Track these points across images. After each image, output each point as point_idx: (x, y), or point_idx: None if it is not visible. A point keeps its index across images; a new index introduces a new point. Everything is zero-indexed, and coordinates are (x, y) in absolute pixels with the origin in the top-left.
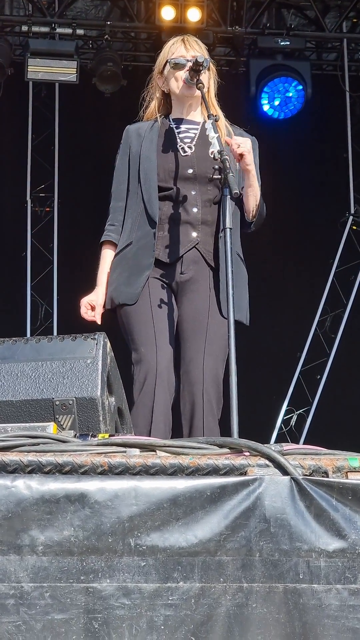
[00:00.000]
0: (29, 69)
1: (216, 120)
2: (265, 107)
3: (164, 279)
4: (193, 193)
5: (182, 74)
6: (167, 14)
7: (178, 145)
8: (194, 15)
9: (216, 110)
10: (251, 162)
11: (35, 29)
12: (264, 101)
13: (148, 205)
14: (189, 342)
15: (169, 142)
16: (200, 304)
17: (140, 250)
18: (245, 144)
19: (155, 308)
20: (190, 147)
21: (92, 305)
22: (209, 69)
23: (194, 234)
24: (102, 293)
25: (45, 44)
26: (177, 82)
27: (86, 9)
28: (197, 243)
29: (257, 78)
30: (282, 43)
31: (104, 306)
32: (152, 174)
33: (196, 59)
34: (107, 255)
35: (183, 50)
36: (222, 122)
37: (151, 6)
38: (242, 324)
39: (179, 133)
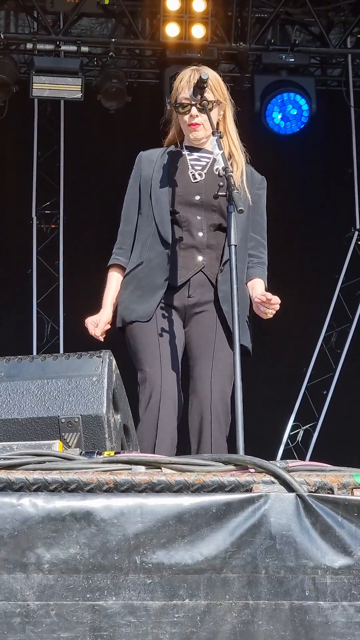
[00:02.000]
0: (34, 87)
1: (220, 137)
2: (270, 123)
3: (171, 303)
4: (199, 218)
5: (187, 119)
6: (172, 31)
7: (189, 172)
8: (198, 32)
9: (233, 137)
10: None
11: (40, 46)
12: (269, 117)
13: (160, 226)
14: (197, 361)
15: (181, 168)
16: (207, 323)
17: (153, 270)
18: (274, 310)
19: (161, 330)
20: (200, 175)
21: (96, 324)
22: (216, 102)
23: (200, 258)
24: (106, 314)
25: (50, 62)
26: (183, 124)
27: (91, 27)
28: (203, 267)
29: (262, 94)
30: (286, 59)
31: (111, 324)
32: (164, 196)
33: (200, 76)
34: (114, 278)
35: (186, 92)
36: (242, 160)
37: (155, 23)
38: (248, 350)
39: (190, 160)
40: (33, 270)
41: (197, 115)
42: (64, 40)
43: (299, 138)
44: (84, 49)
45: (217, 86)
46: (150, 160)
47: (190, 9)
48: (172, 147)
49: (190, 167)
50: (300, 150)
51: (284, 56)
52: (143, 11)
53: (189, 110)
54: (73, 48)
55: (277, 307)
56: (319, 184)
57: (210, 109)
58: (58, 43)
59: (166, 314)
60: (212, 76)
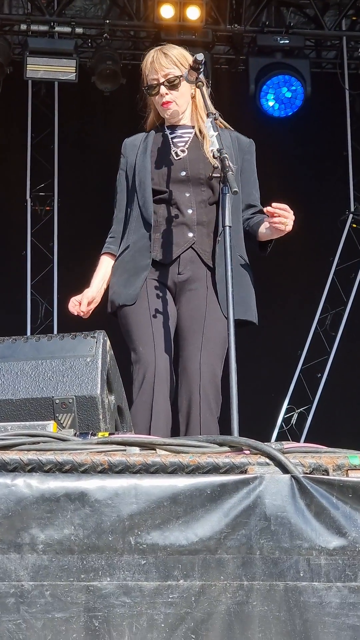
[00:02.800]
0: (28, 68)
1: (215, 119)
2: (265, 106)
3: (162, 280)
4: (187, 195)
5: (158, 99)
6: (167, 12)
7: (172, 150)
8: (193, 13)
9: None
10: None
11: (34, 27)
12: (263, 99)
13: (143, 208)
14: (187, 340)
15: (163, 148)
16: (198, 302)
17: (137, 253)
18: (290, 221)
19: (153, 309)
20: (183, 151)
21: (79, 302)
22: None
23: (190, 235)
24: (90, 290)
25: (45, 43)
26: (157, 105)
27: (85, 8)
28: (194, 243)
29: (257, 76)
30: (281, 41)
31: (98, 306)
32: (146, 178)
33: (195, 58)
34: (104, 262)
35: (153, 74)
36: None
37: (150, 4)
38: (252, 323)
39: (172, 138)
40: (27, 252)
41: (166, 94)
42: (58, 21)
43: (294, 121)
44: (79, 30)
45: (182, 61)
46: (134, 146)
47: None
48: (153, 130)
49: (172, 145)
50: (295, 132)
51: (278, 38)
52: None
53: (158, 91)
54: (67, 29)
55: (289, 215)
56: (314, 167)
57: (178, 84)
58: (52, 24)
59: (157, 292)
60: (177, 52)
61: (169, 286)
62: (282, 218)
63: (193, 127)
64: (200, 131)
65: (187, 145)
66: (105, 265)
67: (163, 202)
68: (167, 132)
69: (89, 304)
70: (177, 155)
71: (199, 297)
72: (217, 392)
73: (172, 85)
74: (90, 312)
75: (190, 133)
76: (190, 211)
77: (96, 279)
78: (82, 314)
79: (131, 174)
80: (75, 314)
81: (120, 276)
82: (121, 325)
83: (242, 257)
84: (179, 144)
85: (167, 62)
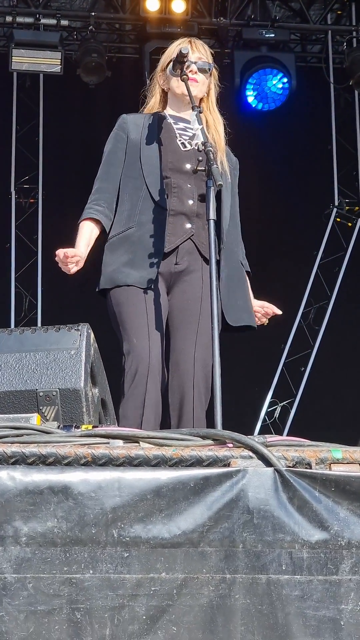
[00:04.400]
0: (13, 60)
1: (200, 112)
2: (250, 99)
3: (160, 270)
4: (189, 186)
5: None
6: (152, 5)
7: (178, 140)
8: (178, 6)
9: (215, 115)
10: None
11: (19, 19)
12: (249, 93)
13: (153, 190)
14: (180, 333)
15: (168, 135)
16: (192, 294)
17: (147, 235)
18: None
19: (149, 299)
20: (190, 144)
21: (67, 255)
22: (211, 74)
23: (189, 225)
24: (80, 248)
25: (30, 35)
26: (178, 82)
27: (71, 0)
28: (192, 234)
29: (242, 70)
30: (266, 35)
31: (78, 266)
32: (156, 161)
33: (180, 51)
34: (87, 228)
35: (190, 52)
36: (222, 131)
37: None
38: (253, 328)
39: (177, 129)
40: (11, 245)
41: (196, 72)
42: (43, 13)
43: (279, 114)
44: (64, 22)
45: (211, 58)
46: (137, 124)
47: None
48: (156, 114)
49: (178, 135)
50: (280, 126)
51: (264, 32)
52: None
53: (189, 66)
54: (53, 21)
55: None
56: (299, 161)
57: (206, 72)
58: (38, 16)
59: (159, 283)
60: (209, 49)
61: (165, 276)
62: (262, 319)
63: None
64: (206, 129)
65: (193, 140)
66: (89, 231)
67: (167, 188)
68: (171, 120)
69: (77, 263)
70: (184, 146)
71: (194, 289)
72: (209, 388)
73: (202, 69)
74: (74, 272)
75: (193, 129)
76: (191, 202)
77: (81, 243)
78: (67, 267)
79: (134, 152)
80: (62, 264)
81: (124, 255)
82: (112, 309)
83: (242, 262)
84: (184, 136)
85: (205, 50)
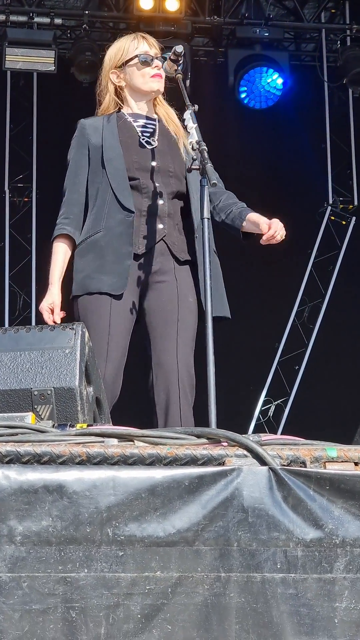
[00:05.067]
0: (6, 59)
1: (195, 110)
2: (244, 97)
3: (129, 273)
4: (157, 185)
5: (150, 71)
6: (146, 3)
7: (141, 139)
8: (172, 5)
9: (166, 107)
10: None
11: (13, 18)
12: (243, 91)
13: (118, 193)
14: (160, 333)
15: (130, 134)
16: (169, 295)
17: (116, 238)
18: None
19: (116, 307)
20: (153, 141)
21: (52, 309)
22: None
23: (161, 226)
24: (57, 295)
25: (23, 34)
26: (143, 77)
27: None
28: (164, 235)
29: (236, 68)
30: (260, 33)
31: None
32: (119, 163)
33: (175, 50)
34: (61, 250)
35: (147, 47)
36: (177, 120)
37: None
38: (228, 319)
39: (137, 127)
40: (5, 244)
41: (161, 68)
42: (37, 12)
43: (273, 112)
44: (58, 21)
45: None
46: (96, 128)
47: None
48: (113, 115)
49: (140, 134)
50: (274, 124)
51: (258, 30)
52: None
53: (152, 62)
54: (46, 20)
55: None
56: (293, 159)
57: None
58: (31, 15)
59: (125, 287)
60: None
61: (139, 279)
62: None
63: (154, 120)
64: (165, 123)
65: (155, 137)
66: (63, 254)
67: (134, 189)
68: (130, 119)
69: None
70: (148, 144)
71: (170, 289)
72: (193, 384)
73: (179, 58)
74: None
75: (154, 125)
76: (161, 202)
77: (56, 274)
78: (56, 321)
79: (96, 157)
80: (52, 322)
81: (94, 260)
82: (80, 314)
83: (214, 249)
84: (145, 134)
85: (156, 45)
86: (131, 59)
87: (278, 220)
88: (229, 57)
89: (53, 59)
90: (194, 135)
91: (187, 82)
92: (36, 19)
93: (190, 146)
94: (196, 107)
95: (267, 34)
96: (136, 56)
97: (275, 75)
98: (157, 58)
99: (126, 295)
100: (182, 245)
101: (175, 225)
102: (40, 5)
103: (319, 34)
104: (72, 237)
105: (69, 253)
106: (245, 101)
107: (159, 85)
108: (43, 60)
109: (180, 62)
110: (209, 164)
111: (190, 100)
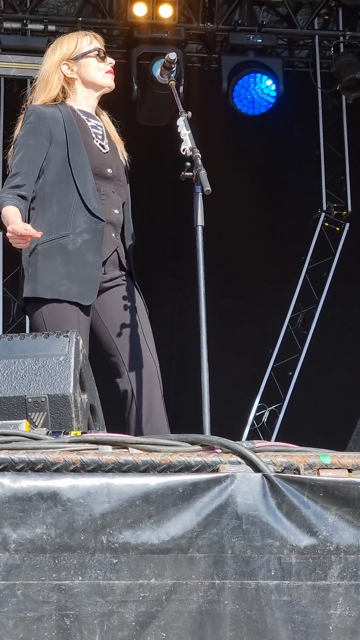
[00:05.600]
0: (0, 65)
1: (189, 117)
2: (237, 104)
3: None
4: (114, 193)
5: (106, 66)
6: (139, 10)
7: (95, 141)
8: (165, 11)
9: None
10: None
11: (6, 25)
12: (236, 97)
13: (85, 197)
14: (126, 331)
15: (87, 136)
16: (124, 295)
17: (84, 246)
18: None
19: (82, 318)
20: (105, 145)
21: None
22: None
23: (113, 235)
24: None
25: (17, 40)
26: (99, 72)
27: (58, 5)
28: (117, 246)
29: (229, 74)
30: (254, 40)
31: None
32: (86, 167)
33: (168, 56)
34: (12, 210)
35: (99, 45)
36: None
37: (123, 3)
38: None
39: (91, 127)
40: None
41: (113, 64)
42: (30, 19)
43: (266, 119)
44: (51, 27)
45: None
46: (56, 120)
47: None
48: (65, 107)
49: (94, 135)
50: (268, 131)
51: (251, 37)
52: None
53: (106, 59)
54: (40, 27)
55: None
56: (286, 165)
57: None
58: (25, 22)
59: (92, 297)
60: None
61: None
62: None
63: (101, 121)
64: (106, 126)
65: (105, 141)
66: (14, 210)
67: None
68: (84, 117)
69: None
70: (103, 148)
71: (122, 291)
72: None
73: (173, 65)
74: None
75: (102, 127)
76: (117, 211)
77: (17, 218)
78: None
79: (60, 151)
80: (20, 240)
81: (63, 265)
82: (45, 319)
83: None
84: (98, 135)
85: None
86: (86, 53)
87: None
88: (222, 63)
89: None
90: (188, 142)
91: (181, 88)
92: (30, 26)
93: (184, 153)
94: (189, 113)
95: (260, 41)
96: (92, 50)
97: (269, 82)
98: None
99: (91, 305)
100: (127, 255)
101: (118, 234)
102: (33, 12)
103: (312, 41)
104: (23, 211)
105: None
106: (239, 107)
107: (112, 81)
108: (37, 67)
109: (174, 69)
110: (203, 171)
111: (184, 106)
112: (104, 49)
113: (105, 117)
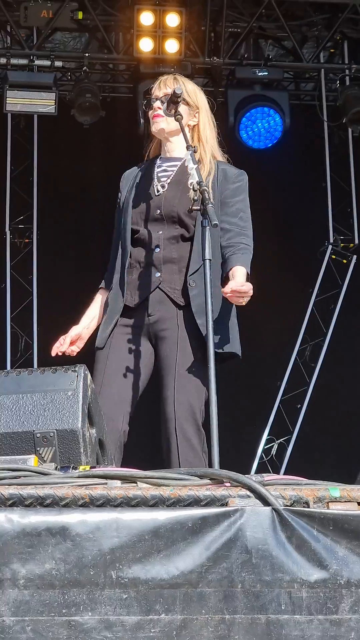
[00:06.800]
0: (7, 101)
1: (195, 151)
2: (244, 137)
3: (133, 323)
4: (160, 233)
5: (151, 113)
6: (145, 45)
7: (154, 186)
8: (171, 46)
9: (205, 151)
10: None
11: (13, 61)
12: (243, 131)
13: (122, 249)
14: (161, 382)
15: (147, 183)
16: (169, 342)
17: (114, 295)
18: (249, 291)
19: (114, 355)
20: (163, 187)
21: (64, 339)
22: (188, 104)
23: (157, 275)
24: (74, 329)
25: (24, 76)
26: (150, 120)
27: (64, 41)
28: (160, 283)
29: (236, 108)
30: (260, 73)
31: (80, 341)
32: (128, 218)
33: (174, 91)
34: (96, 298)
35: (156, 90)
36: (211, 162)
37: (129, 38)
38: (236, 355)
39: (158, 172)
40: (7, 285)
41: (159, 108)
42: (37, 54)
43: (273, 152)
44: (58, 63)
45: (191, 94)
46: (128, 180)
47: (164, 23)
48: (147, 162)
49: (156, 179)
50: (274, 164)
51: (257, 71)
52: (117, 26)
53: (153, 103)
54: (47, 63)
55: (249, 293)
56: (293, 198)
57: (187, 102)
58: (32, 58)
59: (126, 336)
60: (190, 84)
61: (142, 328)
62: (239, 299)
63: (180, 159)
64: (199, 160)
65: (169, 180)
66: (96, 302)
67: (138, 242)
68: (157, 163)
69: (72, 342)
70: (157, 191)
71: (171, 338)
72: (197, 429)
73: (176, 99)
74: (77, 351)
75: (176, 166)
76: (157, 250)
77: (85, 316)
78: (65, 352)
79: (120, 212)
80: (54, 354)
81: (103, 319)
82: None
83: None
84: (162, 179)
85: (174, 84)
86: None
87: (250, 286)
88: (228, 97)
89: (54, 101)
90: (195, 176)
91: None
92: (37, 62)
93: (191, 187)
94: (196, 147)
95: (266, 74)
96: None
97: (276, 115)
98: (160, 98)
99: (129, 343)
100: (186, 290)
101: (181, 270)
102: (40, 48)
103: (318, 74)
104: (107, 290)
105: (99, 300)
106: (246, 141)
107: (156, 125)
108: (44, 103)
109: (179, 103)
110: (210, 205)
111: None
112: (156, 95)
113: (198, 153)
